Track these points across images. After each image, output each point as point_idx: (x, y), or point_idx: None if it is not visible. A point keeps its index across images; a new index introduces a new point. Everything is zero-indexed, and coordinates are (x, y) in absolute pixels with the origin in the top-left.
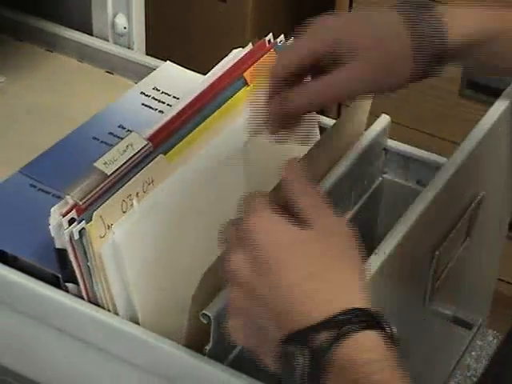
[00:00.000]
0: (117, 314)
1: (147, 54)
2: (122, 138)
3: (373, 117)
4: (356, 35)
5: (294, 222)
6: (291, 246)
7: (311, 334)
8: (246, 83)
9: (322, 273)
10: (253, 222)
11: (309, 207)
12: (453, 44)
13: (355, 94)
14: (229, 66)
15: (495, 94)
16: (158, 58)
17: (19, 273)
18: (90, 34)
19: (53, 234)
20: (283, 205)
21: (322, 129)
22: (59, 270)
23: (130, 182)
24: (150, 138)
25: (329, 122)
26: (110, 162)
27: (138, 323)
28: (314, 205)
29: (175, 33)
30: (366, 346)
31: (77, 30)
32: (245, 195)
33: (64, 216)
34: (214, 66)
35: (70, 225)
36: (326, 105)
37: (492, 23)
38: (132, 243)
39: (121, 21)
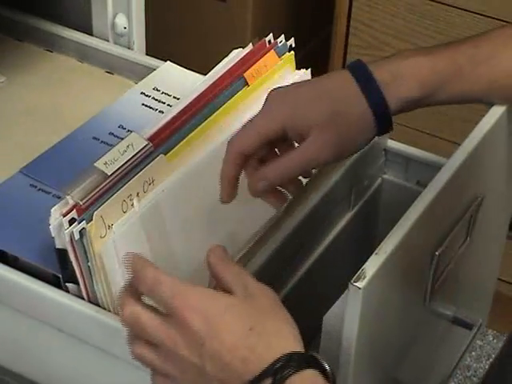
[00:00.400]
0: (117, 314)
1: (147, 54)
2: (122, 138)
3: None
4: (310, 114)
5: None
6: (223, 312)
7: None
8: (246, 83)
9: (255, 328)
10: (179, 303)
11: (231, 279)
12: (397, 107)
13: (316, 166)
14: (229, 66)
15: None
16: (158, 58)
17: (19, 273)
18: (90, 34)
19: (53, 234)
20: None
21: None
22: (59, 270)
23: (130, 182)
24: (151, 138)
25: None
26: (110, 162)
27: None
28: (237, 277)
29: (175, 33)
30: (305, 382)
31: (77, 29)
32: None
33: (64, 216)
34: (214, 66)
35: (70, 225)
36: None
37: (440, 75)
38: (132, 243)
39: (121, 21)
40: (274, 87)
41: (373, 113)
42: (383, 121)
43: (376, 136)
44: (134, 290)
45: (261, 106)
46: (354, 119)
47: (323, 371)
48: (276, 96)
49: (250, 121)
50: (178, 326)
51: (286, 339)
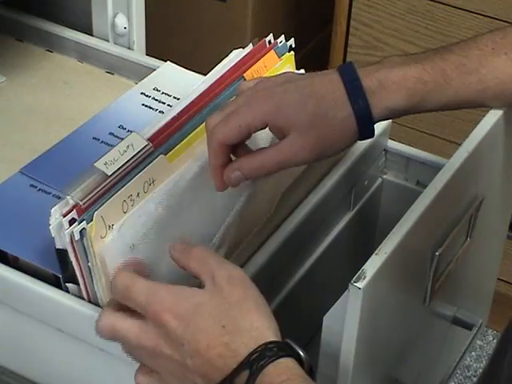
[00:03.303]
0: None
1: (147, 54)
2: (122, 139)
3: None
4: (294, 115)
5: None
6: (195, 312)
7: (234, 378)
8: None
9: (227, 326)
10: (154, 307)
11: (197, 267)
12: (381, 116)
13: (292, 166)
14: (229, 66)
15: None
16: (158, 58)
17: (19, 273)
18: (90, 34)
19: (53, 235)
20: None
21: None
22: (59, 270)
23: (130, 183)
24: (151, 139)
25: None
26: (110, 162)
27: None
28: (201, 264)
29: (175, 33)
30: (280, 371)
31: (77, 30)
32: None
33: (64, 216)
34: (214, 67)
35: (70, 225)
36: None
37: (427, 85)
38: (132, 243)
39: (121, 21)
40: (265, 77)
41: (356, 120)
42: (366, 128)
43: (357, 141)
44: (113, 302)
45: None
46: (337, 124)
47: (299, 358)
48: (263, 92)
49: (233, 112)
50: (156, 327)
51: (258, 331)
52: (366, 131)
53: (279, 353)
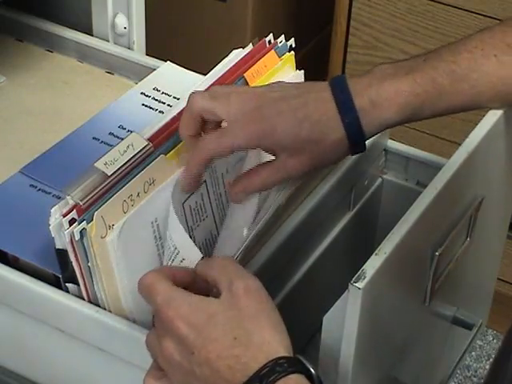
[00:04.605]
0: (117, 314)
1: (147, 54)
2: (122, 139)
3: None
4: (287, 140)
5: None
6: (209, 322)
7: None
8: (246, 83)
9: (240, 338)
10: (169, 313)
11: (217, 273)
12: (374, 131)
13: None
14: (229, 66)
15: None
16: (158, 58)
17: (19, 273)
18: (90, 34)
19: (53, 235)
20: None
21: None
22: (59, 270)
23: (130, 183)
24: (151, 139)
25: None
26: (110, 162)
27: (137, 323)
28: (222, 269)
29: (175, 33)
30: None
31: (77, 30)
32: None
33: (64, 216)
34: (214, 66)
35: (70, 225)
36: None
37: (420, 97)
38: (132, 243)
39: (121, 21)
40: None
41: (348, 139)
42: (358, 145)
43: (352, 154)
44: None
45: None
46: (330, 145)
47: (309, 374)
48: (257, 112)
49: (226, 130)
50: (169, 333)
51: (270, 345)
52: (358, 148)
53: (289, 369)
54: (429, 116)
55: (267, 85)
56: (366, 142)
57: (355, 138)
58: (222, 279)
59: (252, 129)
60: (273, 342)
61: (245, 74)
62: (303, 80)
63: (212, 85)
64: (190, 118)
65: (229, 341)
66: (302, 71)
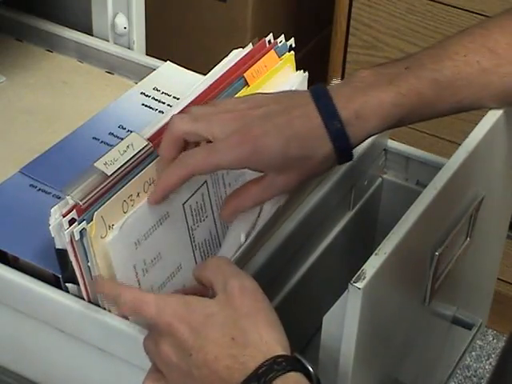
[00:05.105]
0: (116, 314)
1: (147, 54)
2: (122, 139)
3: None
4: (275, 160)
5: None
6: (206, 322)
7: None
8: (246, 83)
9: (237, 338)
10: (166, 318)
11: (211, 273)
12: (359, 142)
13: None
14: (229, 66)
15: None
16: (158, 58)
17: (19, 273)
18: (90, 34)
19: (53, 235)
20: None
21: None
22: (59, 270)
23: (130, 183)
24: (151, 139)
25: None
26: (110, 162)
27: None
28: (216, 269)
29: (175, 33)
30: None
31: (77, 30)
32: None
33: (64, 216)
34: (214, 66)
35: (70, 225)
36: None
37: (403, 107)
38: (132, 243)
39: (121, 21)
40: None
41: (335, 152)
42: (345, 156)
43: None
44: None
45: None
46: (317, 161)
47: (307, 373)
48: (241, 133)
49: (213, 149)
50: (166, 335)
51: (268, 344)
52: (345, 158)
53: (288, 367)
54: (413, 123)
55: (244, 99)
56: (366, 142)
57: (343, 150)
58: (217, 279)
59: (239, 150)
60: (270, 341)
61: (245, 74)
62: (306, 83)
63: (212, 84)
64: (171, 141)
65: (226, 341)
66: (307, 73)
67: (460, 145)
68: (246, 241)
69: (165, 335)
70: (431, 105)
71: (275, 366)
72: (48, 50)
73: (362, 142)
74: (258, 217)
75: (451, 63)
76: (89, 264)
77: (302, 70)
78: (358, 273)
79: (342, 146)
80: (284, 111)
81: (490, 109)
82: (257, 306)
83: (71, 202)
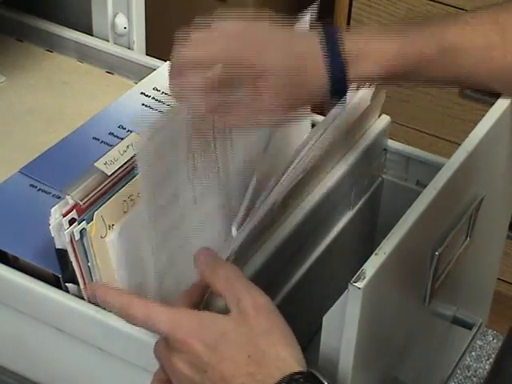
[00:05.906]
0: (116, 314)
1: (147, 54)
2: (122, 138)
3: None
4: (266, 64)
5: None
6: (221, 339)
7: None
8: None
9: (253, 356)
10: (179, 335)
11: (222, 287)
12: (354, 82)
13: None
14: None
15: (495, 94)
16: (158, 58)
17: (19, 273)
18: (90, 34)
19: (53, 234)
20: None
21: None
22: (59, 270)
23: (130, 183)
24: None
25: (320, 119)
26: (110, 162)
27: None
28: (226, 285)
29: (175, 33)
30: None
31: (77, 30)
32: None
33: (64, 216)
34: None
35: (70, 225)
36: None
37: (405, 62)
38: (132, 243)
39: (121, 21)
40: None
41: (331, 86)
42: (338, 91)
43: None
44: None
45: None
46: (311, 84)
47: None
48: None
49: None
50: (180, 350)
51: (285, 361)
52: (337, 92)
53: (306, 383)
54: (410, 82)
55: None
56: (366, 143)
57: (337, 80)
58: (228, 295)
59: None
60: (287, 358)
61: None
62: None
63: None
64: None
65: (243, 359)
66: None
67: (460, 145)
68: (238, 236)
69: (178, 351)
70: (431, 65)
71: (293, 382)
72: (48, 50)
73: (358, 84)
74: (249, 209)
75: (458, 30)
76: (89, 264)
77: None
78: (358, 273)
79: (338, 77)
80: (288, 34)
81: (492, 105)
82: (272, 323)
83: (71, 202)
